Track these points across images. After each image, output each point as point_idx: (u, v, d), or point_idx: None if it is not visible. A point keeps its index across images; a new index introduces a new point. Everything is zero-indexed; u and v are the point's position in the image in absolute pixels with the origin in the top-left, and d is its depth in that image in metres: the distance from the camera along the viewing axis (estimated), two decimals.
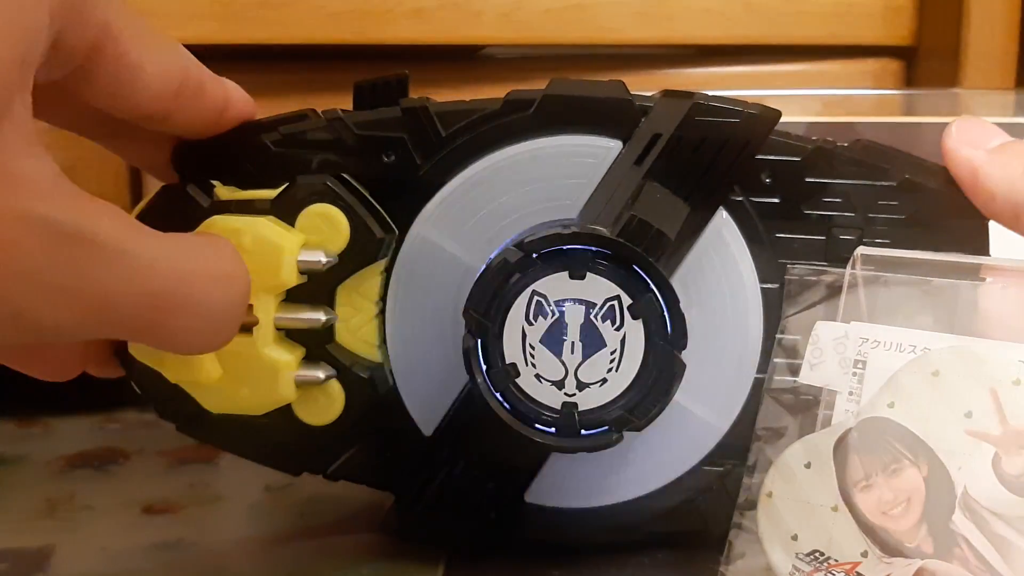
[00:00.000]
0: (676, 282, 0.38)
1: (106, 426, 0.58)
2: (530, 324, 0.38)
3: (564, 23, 0.56)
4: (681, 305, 0.37)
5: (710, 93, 0.39)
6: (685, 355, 0.38)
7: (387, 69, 0.42)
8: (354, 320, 0.40)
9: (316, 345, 0.40)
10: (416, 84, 0.42)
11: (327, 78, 0.56)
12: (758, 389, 0.39)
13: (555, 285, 0.38)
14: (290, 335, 0.40)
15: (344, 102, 0.41)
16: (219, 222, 0.38)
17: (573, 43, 0.57)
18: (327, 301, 0.40)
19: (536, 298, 0.38)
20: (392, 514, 0.42)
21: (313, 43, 0.55)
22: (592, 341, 0.38)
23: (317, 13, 0.54)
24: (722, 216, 0.40)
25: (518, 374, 0.38)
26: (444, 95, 0.41)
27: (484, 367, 0.38)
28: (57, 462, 0.53)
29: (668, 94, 0.39)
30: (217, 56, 0.56)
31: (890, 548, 0.35)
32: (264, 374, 0.39)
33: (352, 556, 0.44)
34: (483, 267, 0.38)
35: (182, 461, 0.53)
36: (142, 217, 0.39)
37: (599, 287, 0.37)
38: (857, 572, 0.35)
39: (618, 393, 0.38)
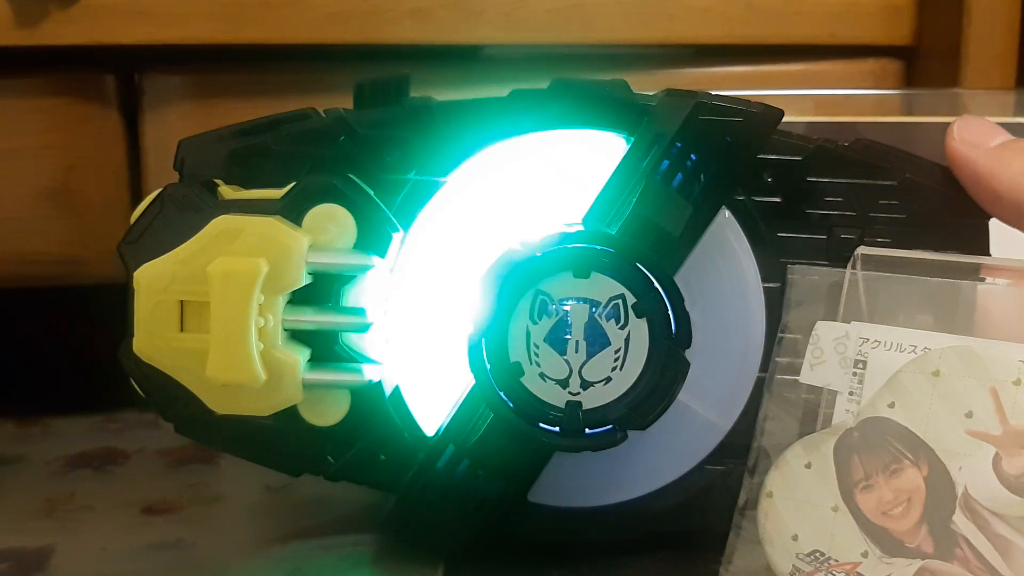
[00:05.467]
0: (679, 281, 0.38)
1: (106, 426, 0.58)
2: (534, 323, 0.38)
3: (564, 23, 0.56)
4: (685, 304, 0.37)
5: (713, 92, 0.39)
6: (688, 354, 0.38)
7: (387, 69, 0.42)
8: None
9: (322, 346, 0.40)
10: (417, 84, 0.42)
11: (327, 78, 0.56)
12: (760, 388, 0.39)
13: (559, 284, 0.38)
14: (296, 336, 0.40)
15: (344, 102, 0.41)
16: (225, 222, 0.38)
17: (573, 43, 0.57)
18: (334, 301, 0.40)
19: (540, 297, 0.38)
20: (392, 514, 0.42)
21: (313, 43, 0.55)
22: (596, 340, 0.38)
23: (317, 13, 0.54)
24: (725, 215, 0.40)
25: (522, 373, 0.38)
26: (445, 95, 0.41)
27: (488, 366, 0.38)
28: (57, 462, 0.53)
29: (671, 93, 0.40)
30: (217, 56, 0.56)
31: (890, 548, 0.35)
32: (271, 375, 0.39)
33: (352, 556, 0.44)
34: (487, 266, 0.38)
35: (182, 461, 0.53)
36: (143, 217, 0.39)
37: (603, 286, 0.37)
38: (857, 572, 0.35)
39: (622, 392, 0.38)
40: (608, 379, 0.38)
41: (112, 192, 0.56)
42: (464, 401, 0.40)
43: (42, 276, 0.57)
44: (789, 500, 0.37)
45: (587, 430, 0.38)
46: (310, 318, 0.39)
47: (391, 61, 0.56)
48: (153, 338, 0.39)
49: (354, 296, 0.40)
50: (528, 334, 0.38)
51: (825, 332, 0.37)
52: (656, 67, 0.58)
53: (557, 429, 0.38)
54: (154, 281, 0.39)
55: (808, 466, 0.37)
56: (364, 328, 0.40)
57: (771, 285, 0.40)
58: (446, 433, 0.40)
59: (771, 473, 0.37)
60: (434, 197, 0.40)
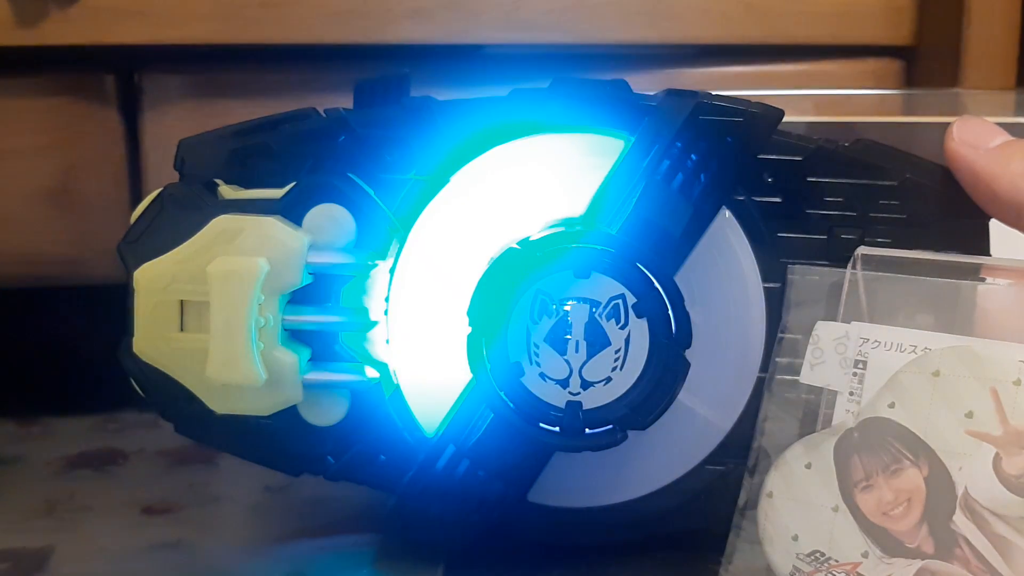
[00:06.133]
0: (679, 281, 0.38)
1: (106, 426, 0.58)
2: (534, 323, 0.38)
3: (564, 23, 0.56)
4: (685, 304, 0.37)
5: (713, 93, 0.39)
6: (688, 354, 0.38)
7: (387, 69, 0.42)
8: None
9: (322, 346, 0.40)
10: (417, 84, 0.42)
11: (327, 78, 0.56)
12: (760, 388, 0.40)
13: (559, 284, 0.38)
14: (296, 336, 0.40)
15: (344, 102, 0.41)
16: (225, 221, 0.38)
17: (573, 43, 0.57)
18: (334, 301, 0.40)
19: (540, 297, 0.38)
20: (392, 514, 0.42)
21: (313, 43, 0.55)
22: (597, 340, 0.38)
23: (317, 13, 0.55)
24: (725, 215, 0.40)
25: (522, 373, 0.38)
26: (445, 95, 0.41)
27: (488, 366, 0.38)
28: (57, 462, 0.53)
29: (672, 93, 0.40)
30: (217, 56, 0.56)
31: (890, 548, 0.35)
32: (271, 375, 0.39)
33: (352, 556, 0.44)
34: (487, 266, 0.38)
35: (182, 461, 0.53)
36: (143, 217, 0.40)
37: (604, 286, 0.37)
38: (857, 572, 0.35)
39: (622, 392, 0.38)
40: (608, 379, 0.38)
41: (112, 192, 0.56)
42: (464, 401, 0.40)
43: (42, 276, 0.57)
44: (789, 500, 0.37)
45: (587, 430, 0.38)
46: (310, 318, 0.39)
47: (391, 61, 0.56)
48: (153, 338, 0.39)
49: (354, 296, 0.40)
50: (528, 334, 0.38)
51: (825, 332, 0.37)
52: (656, 67, 0.58)
53: (557, 429, 0.38)
54: (154, 281, 0.39)
55: (808, 466, 0.37)
56: (364, 328, 0.40)
57: (771, 285, 0.40)
58: (446, 434, 0.40)
59: (771, 473, 0.37)
60: (434, 197, 0.40)
